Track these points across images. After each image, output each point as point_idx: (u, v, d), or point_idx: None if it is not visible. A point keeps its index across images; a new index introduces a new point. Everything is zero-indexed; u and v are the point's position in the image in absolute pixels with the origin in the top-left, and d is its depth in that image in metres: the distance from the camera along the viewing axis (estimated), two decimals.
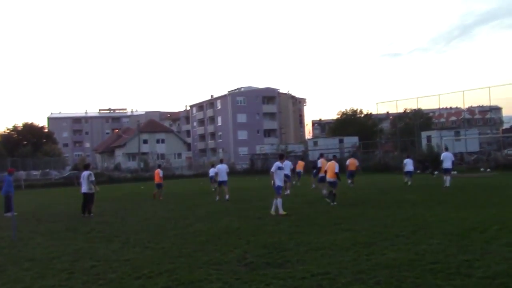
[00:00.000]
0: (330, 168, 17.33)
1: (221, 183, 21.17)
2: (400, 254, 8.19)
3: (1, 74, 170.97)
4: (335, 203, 16.58)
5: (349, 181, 25.65)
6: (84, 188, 17.04)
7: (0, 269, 8.60)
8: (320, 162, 20.97)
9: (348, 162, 26.90)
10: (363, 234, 10.36)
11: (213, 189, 25.72)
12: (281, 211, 14.40)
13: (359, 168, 27.25)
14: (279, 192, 14.65)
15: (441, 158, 23.53)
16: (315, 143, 61.37)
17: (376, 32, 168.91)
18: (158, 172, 24.21)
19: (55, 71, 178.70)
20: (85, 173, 17.16)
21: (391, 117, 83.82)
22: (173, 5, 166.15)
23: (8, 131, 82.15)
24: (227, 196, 20.60)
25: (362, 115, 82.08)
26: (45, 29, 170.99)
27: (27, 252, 10.18)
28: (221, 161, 24.16)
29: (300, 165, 30.26)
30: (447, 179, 22.42)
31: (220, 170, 21.49)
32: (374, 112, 77.86)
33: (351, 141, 57.39)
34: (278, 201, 14.49)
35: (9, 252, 10.28)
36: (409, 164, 26.61)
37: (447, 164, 22.78)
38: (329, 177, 17.26)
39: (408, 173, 26.43)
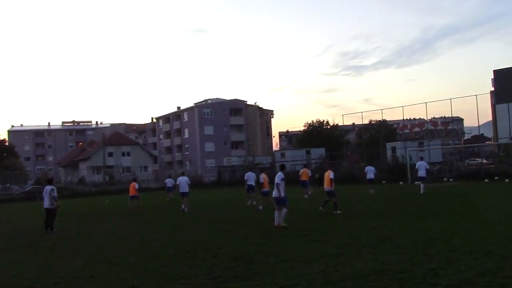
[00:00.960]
0: (325, 178, 17.61)
1: (183, 194, 21.74)
2: (367, 265, 8.23)
3: None
4: (338, 212, 16.64)
5: (305, 191, 26.02)
6: (46, 203, 16.59)
7: None
8: (262, 177, 20.26)
9: (300, 172, 27.33)
10: (331, 245, 10.40)
11: (168, 199, 27.30)
12: (282, 222, 14.04)
13: (310, 178, 27.55)
14: (285, 203, 14.24)
15: (416, 167, 25.42)
16: (283, 155, 61.59)
17: (341, 45, 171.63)
18: (134, 185, 24.44)
19: (16, 82, 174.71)
20: (48, 188, 16.72)
21: (356, 129, 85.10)
22: (140, 17, 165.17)
23: None
24: (185, 209, 21.13)
25: (329, 127, 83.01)
26: (7, 38, 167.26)
27: None
28: (182, 174, 24.34)
29: (305, 173, 27.05)
30: (422, 186, 23.89)
31: (181, 182, 22.07)
32: (340, 124, 78.86)
33: (318, 152, 57.78)
34: (283, 212, 14.06)
35: None
36: (370, 172, 27.69)
37: (421, 172, 24.45)
38: (326, 186, 17.50)
39: (370, 180, 27.37)
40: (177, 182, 22.88)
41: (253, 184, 22.59)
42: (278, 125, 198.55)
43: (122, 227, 16.98)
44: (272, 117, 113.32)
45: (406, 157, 39.41)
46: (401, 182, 32.68)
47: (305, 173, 26.50)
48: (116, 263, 9.88)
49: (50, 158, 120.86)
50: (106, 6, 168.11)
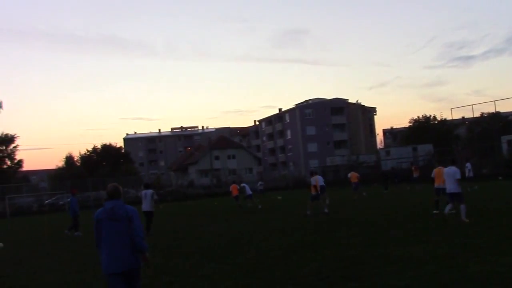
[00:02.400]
0: (437, 175, 15.85)
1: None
2: (484, 267, 7.75)
3: (78, 101, 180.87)
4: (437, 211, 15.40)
5: (355, 193, 26.46)
6: (147, 207, 17.21)
7: (79, 283, 9.00)
8: (315, 180, 19.51)
9: (349, 175, 26.75)
10: (444, 246, 9.93)
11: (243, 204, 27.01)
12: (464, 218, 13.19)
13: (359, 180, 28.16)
14: (462, 199, 13.31)
15: None
16: (387, 153, 59.96)
17: (445, 36, 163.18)
18: (235, 186, 26.62)
19: (127, 96, 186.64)
20: (149, 192, 17.43)
21: (467, 122, 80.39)
22: (236, 19, 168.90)
23: (88, 152, 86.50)
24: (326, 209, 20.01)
25: (436, 122, 79.25)
26: (122, 52, 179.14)
27: None
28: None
29: (354, 176, 27.89)
30: None
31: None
32: (448, 118, 74.99)
33: (426, 148, 55.50)
34: (462, 207, 13.26)
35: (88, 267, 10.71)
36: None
37: None
38: (437, 184, 15.73)
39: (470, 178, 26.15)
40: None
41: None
42: (381, 122, 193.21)
43: (230, 227, 17.50)
44: (375, 114, 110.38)
45: None
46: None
47: (354, 176, 27.73)
48: (226, 262, 10.22)
49: (162, 163, 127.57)
50: (205, 13, 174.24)
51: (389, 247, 10.34)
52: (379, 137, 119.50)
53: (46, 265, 12.05)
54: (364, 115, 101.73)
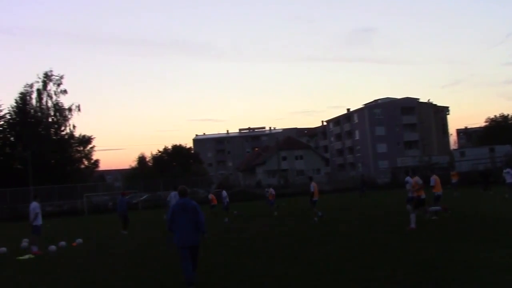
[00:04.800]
0: (438, 182, 16.71)
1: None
2: None
3: (150, 103, 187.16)
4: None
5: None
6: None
7: (160, 280, 9.25)
8: (313, 186, 20.25)
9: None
10: None
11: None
12: None
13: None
14: None
15: None
16: (462, 154, 57.53)
17: None
18: (214, 197, 29.29)
19: (196, 97, 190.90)
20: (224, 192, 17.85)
21: None
22: (306, 19, 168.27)
23: (159, 153, 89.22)
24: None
25: None
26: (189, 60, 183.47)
27: None
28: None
29: (456, 174, 32.05)
30: None
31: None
32: None
33: (504, 149, 52.74)
34: None
35: (166, 265, 10.97)
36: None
37: None
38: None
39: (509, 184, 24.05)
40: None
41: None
42: (455, 122, 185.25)
43: (298, 228, 17.43)
44: (448, 113, 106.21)
45: None
46: None
47: (455, 174, 29.28)
48: (297, 263, 10.17)
49: (230, 164, 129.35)
50: (272, 14, 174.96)
51: (468, 252, 9.89)
52: (453, 137, 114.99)
53: (122, 261, 12.52)
54: (436, 114, 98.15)
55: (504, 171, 25.22)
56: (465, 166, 51.49)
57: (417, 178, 15.74)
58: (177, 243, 8.23)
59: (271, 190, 29.02)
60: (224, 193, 28.78)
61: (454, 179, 30.88)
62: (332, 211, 24.78)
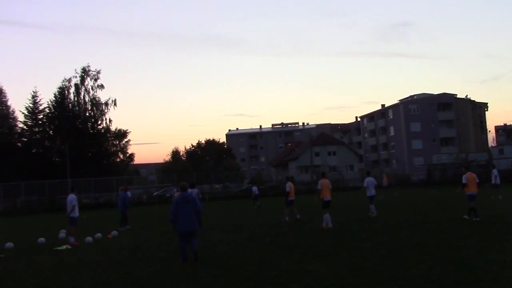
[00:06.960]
0: (470, 180, 16.03)
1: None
2: None
3: (184, 99, 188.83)
4: (478, 218, 15.38)
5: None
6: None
7: (193, 275, 9.36)
8: (288, 186, 19.82)
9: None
10: None
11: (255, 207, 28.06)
12: None
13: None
14: None
15: None
16: (501, 151, 56.09)
17: None
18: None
19: (229, 93, 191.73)
20: (194, 191, 17.62)
21: None
22: (339, 15, 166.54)
23: (193, 147, 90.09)
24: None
25: None
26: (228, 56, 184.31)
27: (215, 260, 10.90)
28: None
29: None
30: None
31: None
32: None
33: None
34: None
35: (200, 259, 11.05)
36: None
37: None
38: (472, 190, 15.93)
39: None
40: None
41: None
42: (494, 119, 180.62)
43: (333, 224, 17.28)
44: (487, 110, 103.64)
45: None
46: None
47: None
48: (329, 259, 10.09)
49: (263, 159, 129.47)
50: (305, 9, 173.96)
51: (505, 252, 9.63)
52: (491, 134, 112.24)
53: (155, 253, 12.67)
54: (474, 110, 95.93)
55: None
56: (503, 164, 50.14)
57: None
58: (179, 229, 10.48)
59: (254, 189, 31.51)
60: (255, 188, 31.96)
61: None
62: (364, 208, 24.51)
